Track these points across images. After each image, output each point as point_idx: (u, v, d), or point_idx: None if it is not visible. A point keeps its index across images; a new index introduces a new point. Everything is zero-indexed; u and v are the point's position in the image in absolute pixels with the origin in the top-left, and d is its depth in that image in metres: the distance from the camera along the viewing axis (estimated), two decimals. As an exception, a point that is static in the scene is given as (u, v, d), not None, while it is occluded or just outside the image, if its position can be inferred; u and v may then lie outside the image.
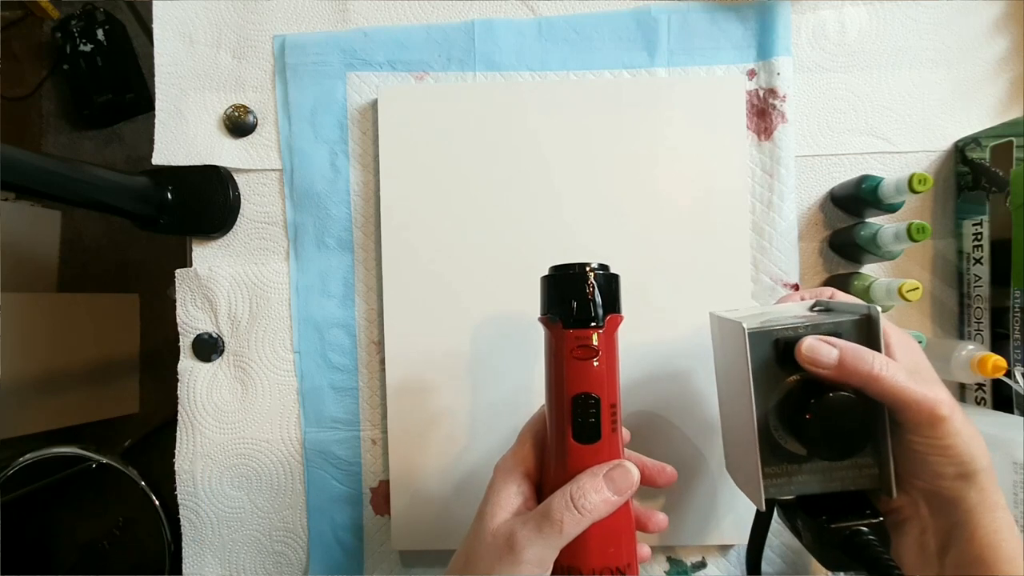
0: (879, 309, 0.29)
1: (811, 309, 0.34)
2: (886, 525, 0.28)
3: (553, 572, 0.28)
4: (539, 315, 0.31)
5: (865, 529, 0.27)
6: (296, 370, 0.46)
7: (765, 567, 0.43)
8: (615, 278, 0.30)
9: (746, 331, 0.29)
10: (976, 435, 0.27)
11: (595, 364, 0.29)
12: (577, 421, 0.29)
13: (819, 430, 0.27)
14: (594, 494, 0.27)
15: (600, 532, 0.28)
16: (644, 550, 0.33)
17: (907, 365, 0.28)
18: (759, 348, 0.29)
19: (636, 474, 0.28)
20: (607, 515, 0.28)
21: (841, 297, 0.33)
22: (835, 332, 0.29)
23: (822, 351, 0.28)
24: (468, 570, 0.28)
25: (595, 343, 0.29)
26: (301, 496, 0.46)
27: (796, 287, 0.44)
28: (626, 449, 0.32)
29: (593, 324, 0.29)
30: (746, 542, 0.43)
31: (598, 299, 0.29)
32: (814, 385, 0.28)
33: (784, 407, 0.29)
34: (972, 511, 0.27)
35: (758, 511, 0.35)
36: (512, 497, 0.29)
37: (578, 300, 0.29)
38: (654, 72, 0.45)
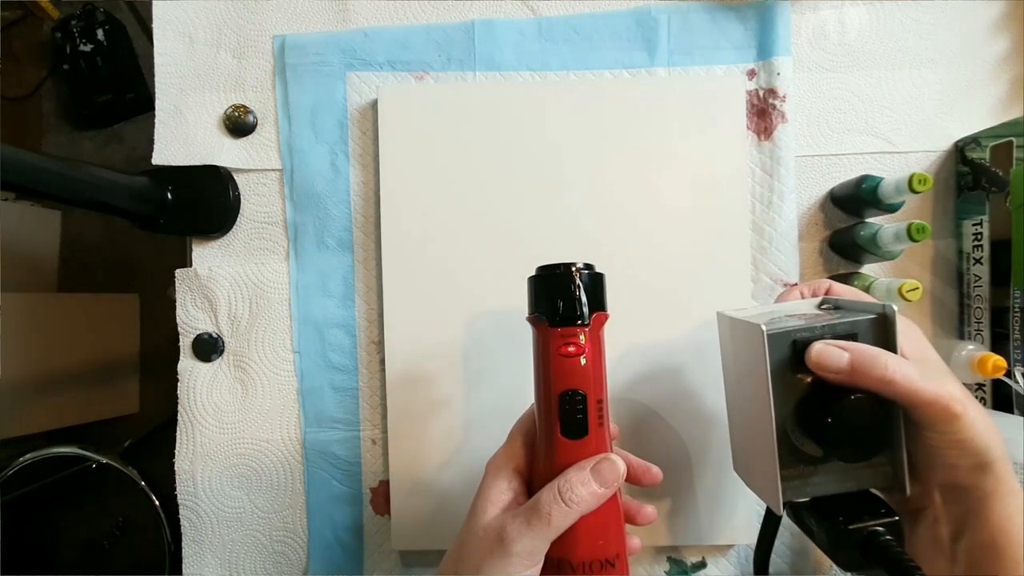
0: (895, 308, 0.28)
1: (819, 307, 0.33)
2: (900, 517, 0.28)
3: (544, 565, 0.28)
4: (527, 315, 0.31)
5: (882, 529, 0.27)
6: (296, 370, 0.46)
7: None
8: (600, 277, 0.31)
9: (765, 333, 0.28)
10: (990, 425, 0.27)
11: (581, 361, 0.29)
12: (565, 417, 0.29)
13: (839, 433, 0.27)
14: (581, 487, 0.28)
15: (589, 524, 0.28)
16: (634, 542, 0.34)
17: (915, 357, 0.28)
18: (776, 350, 0.29)
19: (622, 466, 0.29)
20: (595, 507, 0.28)
21: (839, 289, 0.33)
22: (851, 332, 0.29)
23: (832, 356, 0.27)
24: (460, 566, 0.29)
25: (581, 341, 0.29)
26: (301, 496, 0.46)
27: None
28: (614, 446, 0.32)
29: (579, 322, 0.29)
30: (745, 542, 0.44)
31: (583, 298, 0.29)
32: (831, 387, 0.28)
33: (802, 410, 0.29)
34: (986, 498, 0.27)
35: (767, 512, 0.35)
36: (502, 493, 0.30)
37: (564, 299, 0.30)
38: (654, 72, 0.45)
